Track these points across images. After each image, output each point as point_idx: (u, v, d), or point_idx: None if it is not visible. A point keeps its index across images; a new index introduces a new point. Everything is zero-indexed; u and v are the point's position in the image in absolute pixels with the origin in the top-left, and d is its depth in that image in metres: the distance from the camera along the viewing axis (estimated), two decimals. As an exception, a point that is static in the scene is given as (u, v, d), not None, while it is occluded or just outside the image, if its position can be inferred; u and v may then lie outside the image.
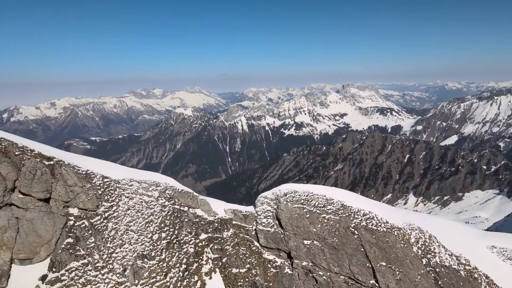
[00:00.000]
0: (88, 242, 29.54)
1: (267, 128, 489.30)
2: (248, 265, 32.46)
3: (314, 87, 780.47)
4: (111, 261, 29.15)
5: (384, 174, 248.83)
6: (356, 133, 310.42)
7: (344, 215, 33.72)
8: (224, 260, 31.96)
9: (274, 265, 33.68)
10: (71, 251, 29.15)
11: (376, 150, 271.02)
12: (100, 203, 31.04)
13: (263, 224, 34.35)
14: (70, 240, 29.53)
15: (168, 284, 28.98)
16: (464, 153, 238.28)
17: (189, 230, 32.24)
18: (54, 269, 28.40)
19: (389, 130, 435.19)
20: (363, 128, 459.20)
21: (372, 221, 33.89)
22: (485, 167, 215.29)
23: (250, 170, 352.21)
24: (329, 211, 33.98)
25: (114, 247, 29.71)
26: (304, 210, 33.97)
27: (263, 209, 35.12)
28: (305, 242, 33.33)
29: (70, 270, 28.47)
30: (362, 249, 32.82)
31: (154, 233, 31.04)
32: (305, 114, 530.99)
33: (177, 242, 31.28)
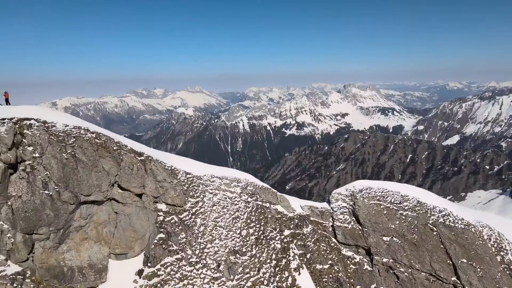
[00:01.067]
0: (179, 238, 29.58)
1: (268, 128, 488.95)
2: (330, 262, 32.64)
3: (315, 87, 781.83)
4: (204, 257, 29.22)
5: (387, 174, 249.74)
6: (358, 133, 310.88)
7: (421, 211, 33.91)
8: (308, 256, 32.12)
9: (353, 261, 33.86)
10: (164, 246, 29.20)
11: (379, 150, 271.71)
12: (186, 199, 31.07)
13: (340, 221, 34.52)
14: (162, 235, 29.58)
15: (262, 279, 29.09)
16: (467, 153, 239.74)
17: (273, 226, 32.36)
18: (149, 264, 28.44)
19: (391, 130, 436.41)
20: (364, 128, 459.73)
21: (449, 218, 34.11)
22: (488, 167, 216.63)
23: (251, 170, 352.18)
24: (406, 207, 34.17)
25: (205, 243, 29.78)
26: (381, 207, 34.15)
27: (338, 205, 35.28)
28: (384, 238, 33.52)
29: (165, 265, 28.53)
30: (441, 246, 33.01)
31: (242, 229, 31.14)
32: (307, 114, 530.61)
33: (264, 238, 31.40)
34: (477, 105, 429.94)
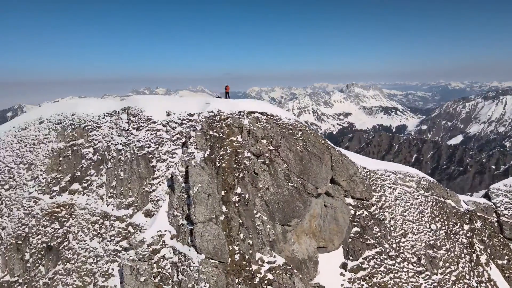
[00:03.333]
0: (374, 232, 29.16)
1: None
2: (506, 257, 32.42)
3: (316, 87, 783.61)
4: (401, 250, 28.90)
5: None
6: (362, 133, 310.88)
7: None
8: (489, 251, 31.88)
9: (523, 256, 33.66)
10: (361, 240, 28.83)
11: (383, 149, 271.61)
12: (371, 193, 30.69)
13: (506, 216, 34.34)
14: (357, 229, 29.18)
15: (463, 273, 28.82)
16: (473, 153, 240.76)
17: (454, 221, 32.13)
18: (350, 257, 28.07)
19: (394, 130, 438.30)
20: (367, 128, 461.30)
21: None
22: (493, 167, 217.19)
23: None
24: None
25: (398, 237, 29.47)
26: (546, 201, 34.04)
27: (501, 200, 35.17)
28: (554, 232, 33.37)
29: (367, 259, 28.14)
30: None
31: (429, 223, 30.88)
32: (309, 113, 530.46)
33: (450, 233, 31.11)
34: (480, 104, 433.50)
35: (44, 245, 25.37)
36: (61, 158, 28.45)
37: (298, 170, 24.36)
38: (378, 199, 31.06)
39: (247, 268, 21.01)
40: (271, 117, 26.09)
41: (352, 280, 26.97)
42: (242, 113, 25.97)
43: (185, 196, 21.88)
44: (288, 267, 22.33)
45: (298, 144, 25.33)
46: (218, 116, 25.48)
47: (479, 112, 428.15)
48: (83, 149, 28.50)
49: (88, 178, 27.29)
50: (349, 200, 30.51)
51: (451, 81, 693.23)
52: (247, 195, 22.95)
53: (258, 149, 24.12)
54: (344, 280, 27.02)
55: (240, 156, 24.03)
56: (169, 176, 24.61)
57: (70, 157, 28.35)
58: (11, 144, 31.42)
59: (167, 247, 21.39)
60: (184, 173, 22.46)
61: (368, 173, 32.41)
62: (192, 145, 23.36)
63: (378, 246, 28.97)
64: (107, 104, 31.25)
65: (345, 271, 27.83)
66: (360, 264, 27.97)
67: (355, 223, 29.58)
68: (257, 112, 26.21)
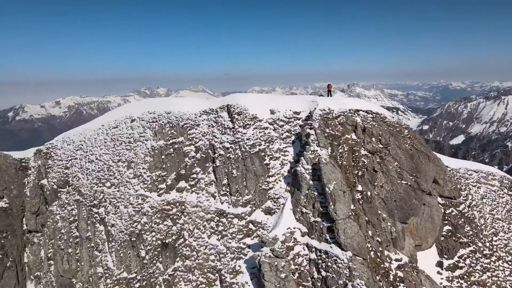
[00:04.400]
0: (465, 230, 29.58)
1: None
2: None
3: (317, 86, 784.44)
4: (495, 249, 29.30)
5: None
6: None
7: None
8: None
9: None
10: (454, 238, 29.22)
11: None
12: (458, 191, 31.14)
13: None
14: (448, 227, 29.58)
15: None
16: (475, 153, 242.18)
17: (536, 219, 32.58)
18: (445, 256, 28.42)
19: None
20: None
21: None
22: (496, 167, 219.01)
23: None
24: None
25: (490, 235, 29.92)
26: None
27: None
28: None
29: (462, 257, 28.54)
30: None
31: (516, 221, 31.30)
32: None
33: (535, 230, 31.59)
34: (482, 104, 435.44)
35: (159, 242, 25.66)
36: (163, 156, 28.71)
37: (409, 168, 24.82)
38: (465, 198, 31.55)
39: (381, 265, 21.42)
40: (377, 115, 26.55)
41: (450, 278, 27.38)
42: (351, 111, 26.37)
43: (315, 193, 22.20)
44: (413, 264, 22.72)
45: (406, 142, 25.80)
46: (330, 115, 25.86)
47: (480, 112, 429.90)
48: (184, 147, 28.78)
49: (194, 176, 27.57)
50: (438, 198, 30.95)
51: (452, 81, 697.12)
52: (369, 193, 23.34)
53: (374, 147, 24.54)
54: (442, 278, 27.39)
55: (357, 154, 24.45)
56: (285, 173, 24.95)
57: (172, 155, 28.62)
58: (105, 142, 31.63)
59: (300, 244, 21.73)
60: (310, 171, 22.78)
61: (451, 171, 32.88)
62: (314, 143, 23.69)
63: (471, 244, 29.40)
64: (201, 103, 31.61)
65: (442, 269, 28.22)
66: (456, 263, 28.38)
67: (446, 222, 30.00)
68: (363, 110, 26.64)
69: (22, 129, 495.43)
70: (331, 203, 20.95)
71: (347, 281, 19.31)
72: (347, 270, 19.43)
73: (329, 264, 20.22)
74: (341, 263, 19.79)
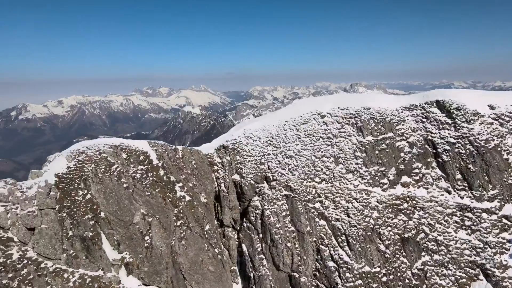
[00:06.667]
0: None
1: None
2: None
3: (319, 86, 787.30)
4: None
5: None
6: None
7: None
8: None
9: None
10: None
11: None
12: None
13: None
14: None
15: None
16: None
17: None
18: None
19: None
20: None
21: None
22: None
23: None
24: None
25: None
26: None
27: None
28: None
29: None
30: None
31: None
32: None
33: None
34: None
35: (397, 236, 25.77)
36: (376, 152, 28.81)
37: None
38: None
39: None
40: None
41: None
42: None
43: None
44: None
45: None
46: None
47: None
48: (396, 143, 28.91)
49: (416, 171, 27.75)
50: None
51: (454, 80, 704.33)
52: None
53: None
54: None
55: None
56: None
57: (387, 150, 28.76)
58: (298, 137, 31.60)
59: None
60: None
61: None
62: None
63: None
64: (397, 99, 31.90)
65: None
66: None
67: None
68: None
69: (25, 128, 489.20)
70: None
71: None
72: None
73: None
74: None
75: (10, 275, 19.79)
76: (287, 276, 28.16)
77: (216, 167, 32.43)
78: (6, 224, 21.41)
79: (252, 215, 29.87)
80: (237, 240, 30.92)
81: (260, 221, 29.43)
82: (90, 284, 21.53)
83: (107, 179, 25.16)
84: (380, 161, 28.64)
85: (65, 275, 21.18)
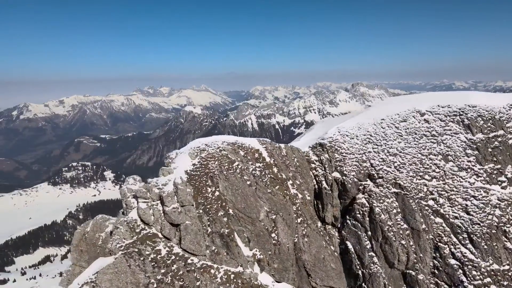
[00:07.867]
0: None
1: (277, 126, 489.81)
2: None
3: (320, 86, 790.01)
4: None
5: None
6: None
7: None
8: None
9: None
10: None
11: None
12: None
13: None
14: None
15: None
16: None
17: None
18: None
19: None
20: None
21: None
22: None
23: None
24: None
25: None
26: None
27: None
28: None
29: None
30: None
31: None
32: (315, 112, 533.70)
33: None
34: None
35: (524, 234, 25.55)
36: (489, 150, 28.61)
37: None
38: None
39: None
40: None
41: None
42: None
43: None
44: None
45: None
46: None
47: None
48: (509, 140, 28.75)
49: (537, 168, 27.56)
50: None
51: (455, 80, 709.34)
52: None
53: None
54: None
55: None
56: None
57: (500, 148, 28.56)
58: (400, 135, 31.35)
59: None
60: None
61: None
62: None
63: None
64: (503, 96, 31.72)
65: None
66: None
67: None
68: None
69: (26, 127, 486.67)
70: None
71: None
72: None
73: None
74: None
75: (162, 271, 19.33)
76: (400, 274, 27.88)
77: (313, 165, 32.09)
78: (150, 220, 20.93)
79: (358, 212, 29.55)
80: (338, 237, 30.61)
81: (368, 218, 29.12)
82: (234, 280, 21.10)
83: (231, 176, 24.73)
84: (495, 159, 28.44)
85: (212, 271, 20.70)
